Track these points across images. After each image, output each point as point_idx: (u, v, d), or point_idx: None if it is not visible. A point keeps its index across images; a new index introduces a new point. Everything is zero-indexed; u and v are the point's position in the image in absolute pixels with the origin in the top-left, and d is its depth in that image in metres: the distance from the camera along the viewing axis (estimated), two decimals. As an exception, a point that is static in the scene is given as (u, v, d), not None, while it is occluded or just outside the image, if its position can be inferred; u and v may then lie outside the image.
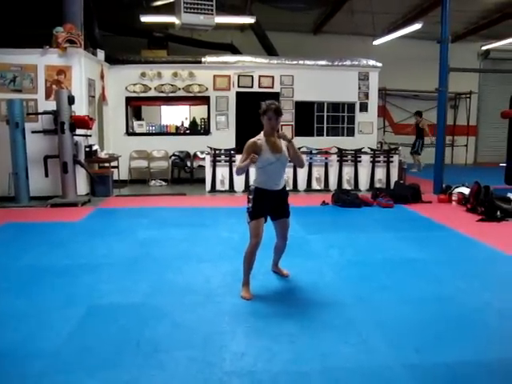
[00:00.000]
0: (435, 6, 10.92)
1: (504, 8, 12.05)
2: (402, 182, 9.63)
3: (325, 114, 11.47)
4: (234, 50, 12.42)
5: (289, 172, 9.41)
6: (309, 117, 11.41)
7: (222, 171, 9.64)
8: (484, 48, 14.96)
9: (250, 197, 4.03)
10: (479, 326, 3.53)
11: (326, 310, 3.74)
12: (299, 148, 9.57)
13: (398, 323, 3.52)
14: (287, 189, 4.27)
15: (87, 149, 8.88)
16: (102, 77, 10.00)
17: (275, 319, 3.56)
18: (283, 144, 4.03)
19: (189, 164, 10.89)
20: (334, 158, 9.92)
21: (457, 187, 8.69)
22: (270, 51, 12.15)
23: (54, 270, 4.71)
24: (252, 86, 11.04)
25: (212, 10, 7.87)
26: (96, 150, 9.10)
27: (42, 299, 3.96)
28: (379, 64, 11.44)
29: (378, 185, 9.78)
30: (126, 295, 4.06)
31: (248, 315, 3.66)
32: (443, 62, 9.23)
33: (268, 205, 4.05)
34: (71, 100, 8.05)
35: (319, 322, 3.53)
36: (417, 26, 10.81)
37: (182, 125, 11.57)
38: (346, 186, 9.76)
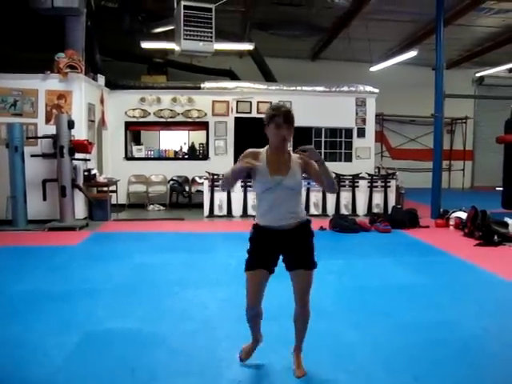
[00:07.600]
0: (429, 34, 11.13)
1: (496, 37, 12.30)
2: (399, 206, 9.65)
3: (322, 139, 11.52)
4: (233, 76, 12.58)
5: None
6: (307, 142, 11.30)
7: (220, 196, 9.64)
8: (478, 74, 15.18)
9: (250, 236, 2.99)
10: (478, 353, 3.50)
11: (323, 337, 3.71)
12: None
13: (396, 350, 3.50)
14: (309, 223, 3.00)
15: (86, 173, 8.92)
16: (102, 101, 10.09)
17: (272, 346, 3.52)
18: (296, 164, 2.90)
19: (187, 189, 10.91)
20: (332, 182, 9.94)
21: (454, 212, 8.71)
22: (268, 77, 12.29)
23: (51, 295, 4.68)
24: (250, 112, 11.13)
25: (211, 37, 7.98)
26: (95, 174, 9.14)
27: (38, 325, 3.92)
28: (376, 90, 11.56)
29: (375, 210, 9.79)
30: (122, 321, 4.03)
31: (245, 342, 3.63)
32: (438, 89, 9.36)
33: (270, 250, 2.93)
34: (71, 124, 8.11)
35: (316, 348, 3.50)
36: (412, 53, 11.00)
37: (181, 150, 11.64)
38: (343, 211, 9.76)
